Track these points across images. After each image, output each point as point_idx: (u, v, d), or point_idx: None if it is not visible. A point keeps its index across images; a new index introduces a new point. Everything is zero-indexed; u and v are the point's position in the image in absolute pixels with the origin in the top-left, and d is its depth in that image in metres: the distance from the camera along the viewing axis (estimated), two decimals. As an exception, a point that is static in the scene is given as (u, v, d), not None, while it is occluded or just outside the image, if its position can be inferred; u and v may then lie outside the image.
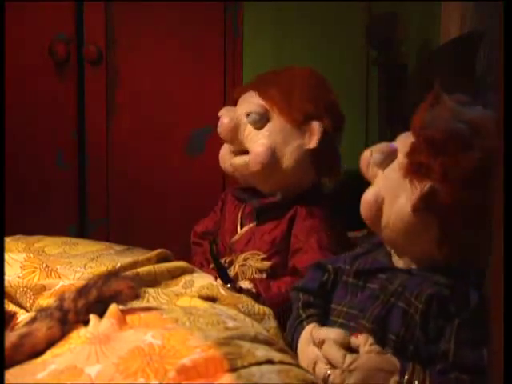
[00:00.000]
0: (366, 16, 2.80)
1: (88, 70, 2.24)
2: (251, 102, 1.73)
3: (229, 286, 1.57)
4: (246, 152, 1.73)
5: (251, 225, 1.73)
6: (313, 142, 1.68)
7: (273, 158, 1.68)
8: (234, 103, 1.79)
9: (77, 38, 2.23)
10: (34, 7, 2.20)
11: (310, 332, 1.33)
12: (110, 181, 2.27)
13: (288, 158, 1.69)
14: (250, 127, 1.72)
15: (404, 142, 1.31)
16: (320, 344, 1.29)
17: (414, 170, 1.26)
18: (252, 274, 1.66)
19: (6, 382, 1.13)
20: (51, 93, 2.24)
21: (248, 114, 1.71)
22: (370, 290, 1.31)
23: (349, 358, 1.23)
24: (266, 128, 1.70)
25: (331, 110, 1.72)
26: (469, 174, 1.22)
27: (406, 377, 1.19)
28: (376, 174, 1.34)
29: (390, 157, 1.32)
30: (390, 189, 1.30)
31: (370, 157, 1.34)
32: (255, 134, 1.71)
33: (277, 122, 1.70)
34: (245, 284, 1.59)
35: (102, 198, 2.27)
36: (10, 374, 1.15)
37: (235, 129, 1.73)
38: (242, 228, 1.74)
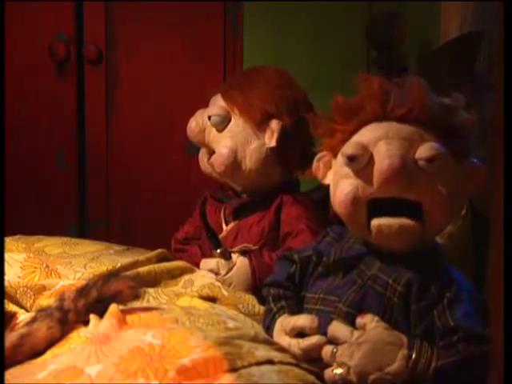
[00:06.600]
0: (366, 16, 2.80)
1: (88, 69, 2.24)
2: (214, 104, 1.77)
3: (219, 251, 1.67)
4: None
5: (235, 222, 1.74)
6: (272, 141, 1.70)
7: (235, 159, 1.71)
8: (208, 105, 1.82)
9: (77, 38, 2.23)
10: (34, 7, 2.21)
11: (281, 323, 1.34)
12: (109, 181, 2.27)
13: (250, 159, 1.71)
14: (213, 129, 1.75)
15: None
16: (291, 332, 1.30)
17: None
18: None
19: (5, 382, 1.13)
20: (51, 92, 2.24)
21: (210, 117, 1.75)
22: (347, 276, 1.32)
23: (356, 333, 1.23)
24: (228, 129, 1.74)
25: (294, 107, 1.72)
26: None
27: (414, 353, 1.18)
28: None
29: None
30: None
31: None
32: (218, 136, 1.75)
33: (238, 123, 1.73)
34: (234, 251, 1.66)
35: (101, 198, 2.27)
36: (10, 374, 1.15)
37: (201, 132, 1.77)
38: (226, 225, 1.75)
